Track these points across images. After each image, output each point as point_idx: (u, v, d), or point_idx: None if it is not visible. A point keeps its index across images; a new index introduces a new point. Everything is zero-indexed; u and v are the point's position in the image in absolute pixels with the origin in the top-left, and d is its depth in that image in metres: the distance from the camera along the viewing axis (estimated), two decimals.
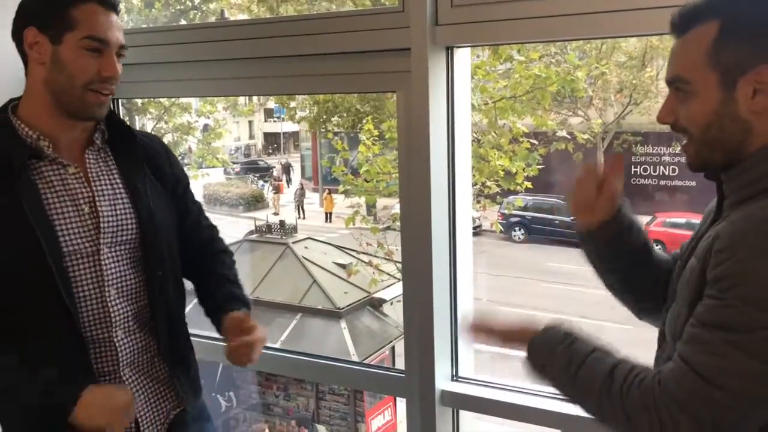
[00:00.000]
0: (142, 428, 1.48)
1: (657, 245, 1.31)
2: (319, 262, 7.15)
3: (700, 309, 0.96)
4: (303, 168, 17.55)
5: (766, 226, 0.92)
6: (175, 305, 1.56)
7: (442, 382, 1.96)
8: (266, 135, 22.09)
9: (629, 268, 1.25)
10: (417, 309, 1.93)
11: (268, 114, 20.48)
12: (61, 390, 1.31)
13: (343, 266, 7.06)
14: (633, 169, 12.23)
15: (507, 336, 1.20)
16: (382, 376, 2.19)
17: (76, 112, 1.40)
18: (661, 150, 11.75)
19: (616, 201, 1.23)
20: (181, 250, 1.57)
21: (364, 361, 6.02)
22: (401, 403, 2.10)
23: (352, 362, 2.89)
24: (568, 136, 7.49)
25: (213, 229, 1.71)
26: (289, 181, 16.55)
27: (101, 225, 1.41)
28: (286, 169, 17.49)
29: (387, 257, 6.97)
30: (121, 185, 1.46)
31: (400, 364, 2.05)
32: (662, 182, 11.57)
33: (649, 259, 1.27)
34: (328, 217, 12.91)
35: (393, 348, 6.82)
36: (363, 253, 7.33)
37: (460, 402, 1.97)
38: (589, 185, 1.22)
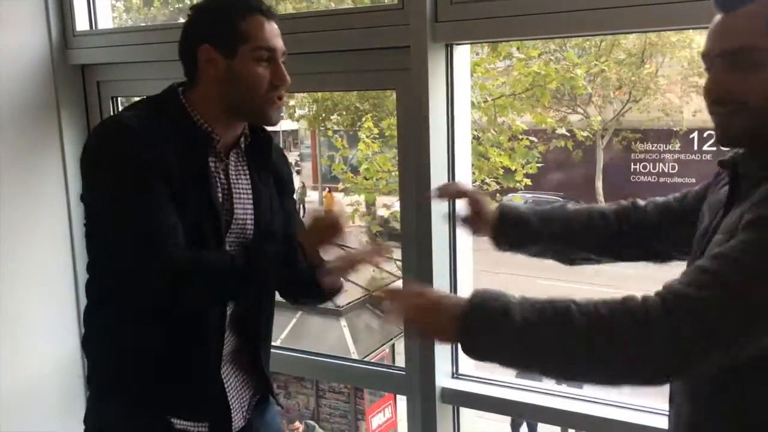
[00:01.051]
0: (233, 414, 1.55)
1: None
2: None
3: (727, 243, 0.97)
4: (302, 166, 17.52)
5: None
6: (269, 309, 1.63)
7: (443, 379, 1.96)
8: None
9: (561, 245, 1.41)
10: None
11: None
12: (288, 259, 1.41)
13: None
14: (633, 167, 12.25)
15: (415, 314, 1.08)
16: (383, 374, 2.18)
17: (255, 118, 1.49)
18: (660, 147, 11.76)
19: (486, 215, 1.43)
20: None
21: (364, 359, 6.03)
22: (401, 401, 2.11)
23: (352, 360, 2.89)
24: (568, 134, 7.49)
25: (302, 225, 1.76)
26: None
27: (232, 224, 1.47)
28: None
29: (387, 255, 6.97)
30: (250, 190, 1.53)
31: (401, 362, 2.05)
32: (662, 179, 11.58)
33: (581, 227, 1.39)
34: None
35: (393, 346, 6.83)
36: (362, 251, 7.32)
37: (461, 399, 1.97)
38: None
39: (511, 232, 1.43)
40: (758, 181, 1.02)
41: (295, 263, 1.41)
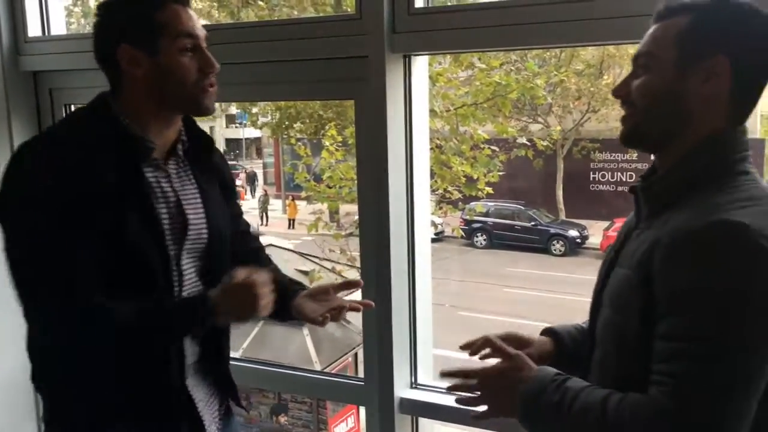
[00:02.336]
0: (206, 426, 1.51)
1: None
2: (281, 269, 7.09)
3: (668, 327, 0.99)
4: (265, 174, 17.39)
5: (707, 232, 0.97)
6: None
7: (401, 389, 1.96)
8: (228, 141, 21.88)
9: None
10: (375, 315, 1.93)
11: (230, 120, 20.29)
12: (200, 309, 1.35)
13: (305, 273, 7.00)
14: (592, 176, 12.47)
15: (485, 382, 1.18)
16: (342, 385, 2.18)
17: (189, 110, 1.42)
18: (618, 156, 11.99)
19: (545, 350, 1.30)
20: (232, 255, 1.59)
21: (327, 369, 5.98)
22: (364, 410, 2.10)
23: (312, 371, 2.87)
24: (528, 143, 7.58)
25: (250, 227, 1.75)
26: (253, 190, 16.35)
27: (188, 232, 1.42)
28: (251, 178, 17.27)
29: (349, 263, 6.95)
30: (198, 194, 1.47)
31: (363, 371, 2.04)
32: (620, 188, 11.80)
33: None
34: (291, 223, 12.85)
35: (356, 355, 6.80)
36: (325, 259, 7.29)
37: (419, 409, 1.97)
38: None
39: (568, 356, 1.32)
40: (662, 205, 1.08)
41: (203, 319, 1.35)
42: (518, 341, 1.30)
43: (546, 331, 1.35)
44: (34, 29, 2.36)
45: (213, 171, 1.53)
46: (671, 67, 1.06)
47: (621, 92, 1.13)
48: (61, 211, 1.25)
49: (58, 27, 2.42)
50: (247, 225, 1.72)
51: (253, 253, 1.69)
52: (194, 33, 1.36)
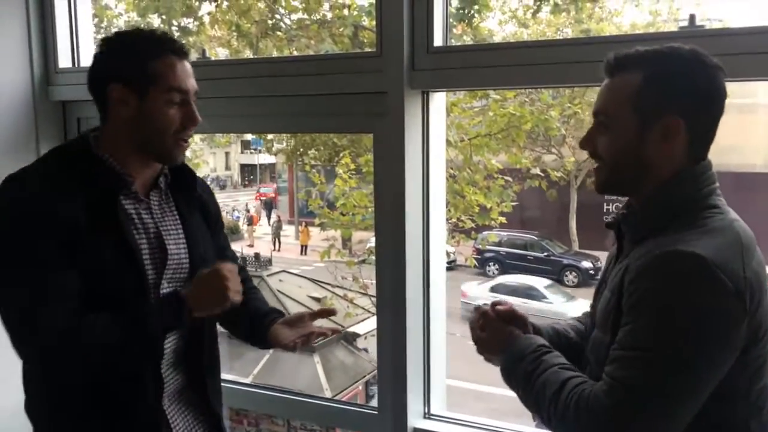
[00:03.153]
0: None
1: None
2: (293, 295, 7.11)
3: (620, 335, 1.11)
4: (279, 200, 17.44)
5: (664, 259, 1.08)
6: (212, 340, 1.62)
7: (415, 419, 1.98)
8: (243, 167, 22.04)
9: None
10: (390, 344, 1.96)
11: (245, 145, 20.45)
12: (168, 309, 1.37)
13: (317, 300, 7.03)
14: (605, 207, 12.44)
15: (492, 335, 1.34)
16: (355, 413, 2.19)
17: (160, 158, 1.46)
18: None
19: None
20: None
21: (338, 396, 5.97)
22: None
23: (324, 398, 2.88)
24: (542, 174, 7.59)
25: (237, 258, 1.78)
26: (269, 217, 16.39)
27: (168, 261, 1.46)
28: (268, 206, 17.30)
29: (362, 291, 6.96)
30: (180, 226, 1.51)
31: (375, 399, 2.06)
32: None
33: (576, 342, 1.41)
34: (304, 249, 12.88)
35: (367, 383, 6.78)
36: (338, 286, 7.31)
37: None
38: (494, 325, 1.36)
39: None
40: (637, 239, 1.19)
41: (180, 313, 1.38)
42: (514, 318, 1.40)
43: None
44: (64, 60, 2.45)
45: (196, 205, 1.56)
46: (631, 127, 1.16)
47: (587, 147, 1.23)
48: (23, 249, 1.29)
49: (88, 58, 2.51)
50: (234, 256, 1.75)
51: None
52: (185, 88, 1.40)
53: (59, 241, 1.30)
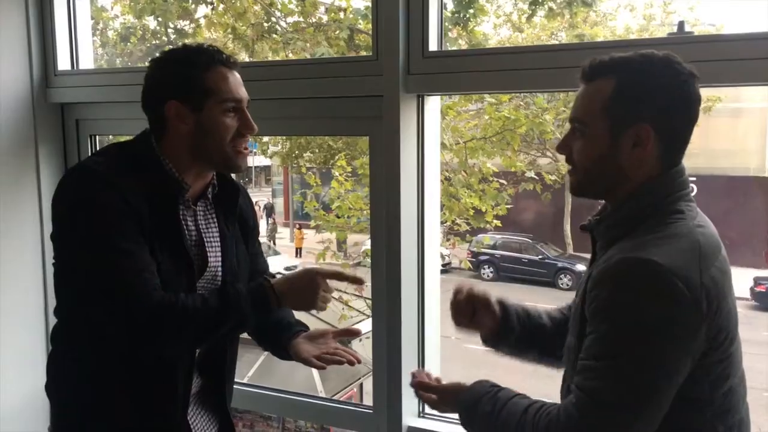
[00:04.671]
0: None
1: None
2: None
3: (586, 343, 1.13)
4: (273, 203, 17.41)
5: (621, 266, 1.10)
6: (235, 345, 1.65)
7: (409, 418, 2.00)
8: None
9: (540, 345, 1.46)
10: (385, 345, 1.98)
11: None
12: (266, 288, 1.43)
13: None
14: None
15: (442, 394, 1.37)
16: (350, 412, 2.21)
17: (223, 167, 1.50)
18: None
19: (495, 312, 1.43)
20: None
21: (332, 398, 5.97)
22: None
23: (319, 398, 2.90)
24: (536, 177, 7.63)
25: (268, 266, 1.80)
26: (268, 222, 16.32)
27: (207, 268, 1.50)
28: (269, 210, 17.22)
29: (357, 293, 6.97)
30: (218, 237, 1.55)
31: (368, 401, 2.08)
32: None
33: (548, 327, 1.46)
34: (299, 252, 12.88)
35: (361, 385, 6.79)
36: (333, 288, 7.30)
37: None
38: (464, 305, 1.42)
39: (515, 327, 1.46)
40: (606, 243, 1.21)
41: (267, 303, 1.43)
42: (474, 299, 1.44)
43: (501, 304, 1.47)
44: (63, 63, 2.46)
45: (235, 218, 1.60)
46: (604, 134, 1.18)
47: (563, 151, 1.26)
48: (119, 222, 1.33)
49: (87, 61, 2.53)
50: (266, 264, 1.78)
51: None
52: (238, 97, 1.44)
53: (137, 224, 1.35)
